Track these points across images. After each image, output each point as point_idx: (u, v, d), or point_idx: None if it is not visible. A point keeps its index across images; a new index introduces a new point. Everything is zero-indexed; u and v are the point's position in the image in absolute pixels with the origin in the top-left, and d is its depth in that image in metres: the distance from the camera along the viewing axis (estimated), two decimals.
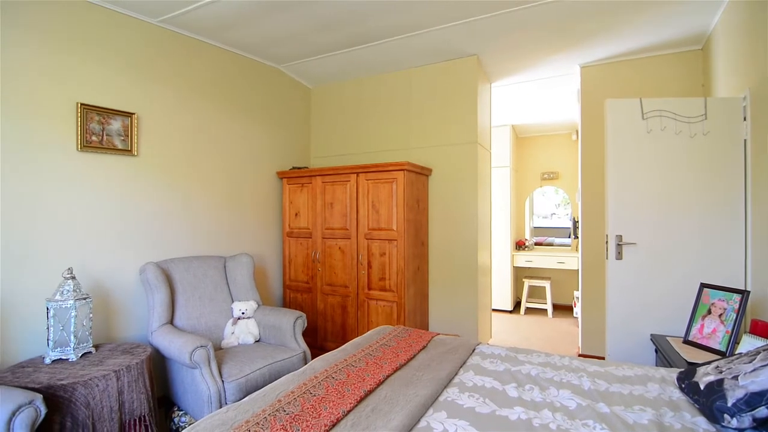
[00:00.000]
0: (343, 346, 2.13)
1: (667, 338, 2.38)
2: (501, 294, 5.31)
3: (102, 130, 2.42)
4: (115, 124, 2.48)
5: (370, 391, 1.58)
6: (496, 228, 5.25)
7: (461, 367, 1.86)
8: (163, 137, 2.77)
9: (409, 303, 3.12)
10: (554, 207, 6.13)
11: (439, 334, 2.38)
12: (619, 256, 2.64)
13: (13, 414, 1.41)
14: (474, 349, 2.10)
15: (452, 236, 3.44)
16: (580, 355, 3.50)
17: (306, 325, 2.74)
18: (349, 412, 1.41)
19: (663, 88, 3.25)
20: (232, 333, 2.68)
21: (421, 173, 3.35)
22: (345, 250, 3.32)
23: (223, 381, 2.15)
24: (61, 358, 1.99)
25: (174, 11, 2.60)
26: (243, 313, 2.73)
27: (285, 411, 1.38)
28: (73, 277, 2.08)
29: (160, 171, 2.76)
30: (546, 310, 5.26)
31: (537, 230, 6.10)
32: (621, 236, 2.63)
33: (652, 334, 2.50)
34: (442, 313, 3.48)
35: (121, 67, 2.54)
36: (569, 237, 5.66)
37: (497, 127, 5.29)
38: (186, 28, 2.86)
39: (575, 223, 5.25)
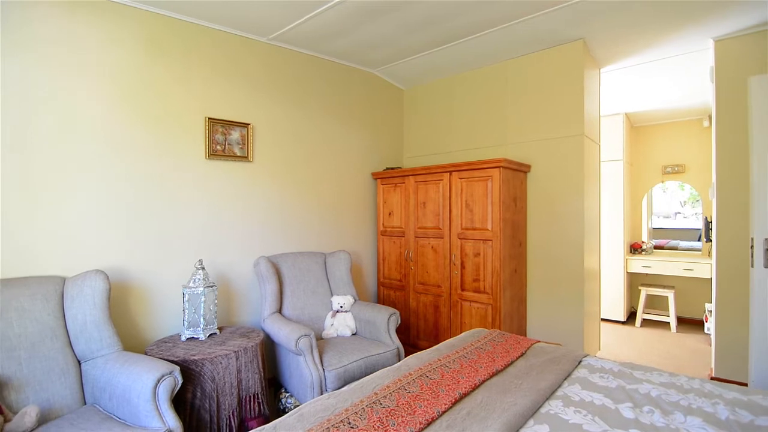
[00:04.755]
0: (437, 346, 2.12)
1: None
2: (612, 302, 4.79)
3: (225, 140, 2.76)
4: (235, 134, 2.81)
5: (465, 394, 1.55)
6: (607, 229, 4.74)
7: (566, 379, 1.72)
8: (272, 144, 3.06)
9: (505, 306, 2.98)
10: (679, 205, 5.34)
11: (539, 341, 2.24)
12: None
13: (158, 381, 1.68)
14: (580, 361, 1.93)
15: (554, 237, 3.20)
16: (712, 378, 2.99)
17: (399, 322, 2.79)
18: (443, 413, 1.40)
19: None
20: (331, 325, 2.84)
21: (518, 170, 3.18)
22: (437, 249, 3.31)
23: (323, 369, 2.30)
24: (193, 337, 2.31)
25: (281, 29, 2.85)
26: (341, 307, 2.88)
27: (381, 404, 1.42)
28: (203, 268, 2.40)
29: (270, 174, 3.05)
30: (668, 323, 4.60)
31: (657, 231, 5.37)
32: None
33: None
34: (541, 319, 3.26)
35: (239, 82, 2.87)
36: (699, 240, 4.88)
37: (608, 117, 4.78)
38: (291, 43, 3.12)
39: (708, 223, 4.51)
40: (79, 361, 1.91)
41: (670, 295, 4.52)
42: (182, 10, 2.51)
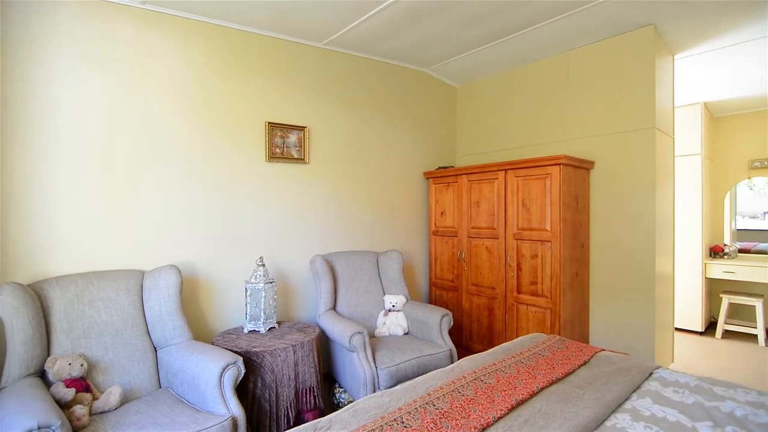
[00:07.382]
0: (492, 350, 2.06)
1: None
2: (687, 310, 4.38)
3: (283, 143, 2.88)
4: (292, 137, 2.92)
5: (522, 401, 1.49)
6: (682, 230, 4.33)
7: (634, 391, 1.60)
8: (327, 146, 3.14)
9: (565, 311, 2.83)
10: None
11: (603, 350, 2.10)
12: None
13: (224, 369, 1.79)
14: (651, 373, 1.79)
15: (621, 239, 2.98)
16: None
17: (452, 323, 2.75)
18: (499, 419, 1.36)
19: None
20: (384, 324, 2.87)
21: (580, 167, 3.00)
22: (492, 250, 3.21)
23: (376, 367, 2.32)
24: (254, 330, 2.44)
25: (335, 33, 2.92)
26: (393, 306, 2.90)
27: (434, 405, 1.41)
28: (263, 265, 2.52)
29: (326, 175, 3.13)
30: (755, 335, 4.12)
31: (742, 233, 4.82)
32: None
33: None
34: (606, 326, 3.06)
35: (296, 87, 2.98)
36: None
37: (683, 107, 4.37)
38: (345, 47, 3.18)
39: None
40: (155, 348, 2.08)
41: (758, 304, 4.04)
42: (244, 21, 2.65)
